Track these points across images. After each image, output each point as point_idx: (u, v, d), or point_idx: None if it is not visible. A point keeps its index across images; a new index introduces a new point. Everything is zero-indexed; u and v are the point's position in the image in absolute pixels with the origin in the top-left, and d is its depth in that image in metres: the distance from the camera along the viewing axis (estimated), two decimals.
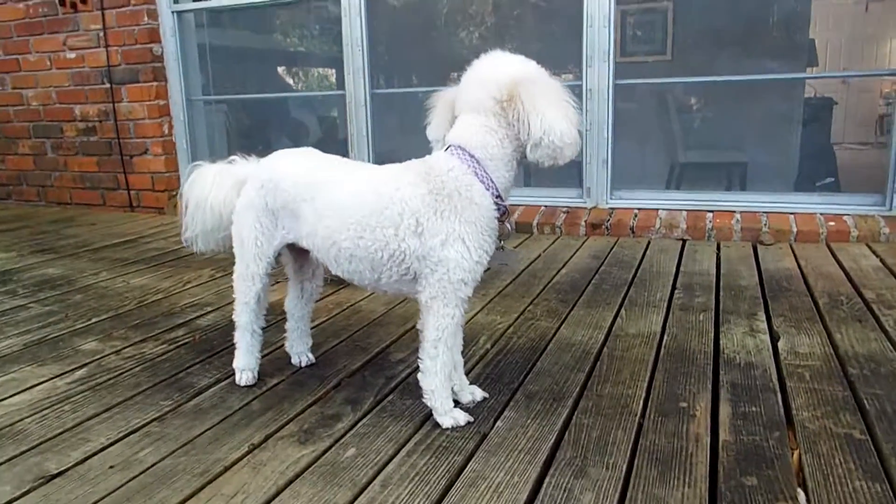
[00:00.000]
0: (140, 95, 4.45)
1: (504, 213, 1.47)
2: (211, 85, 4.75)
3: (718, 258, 2.92)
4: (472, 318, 2.24)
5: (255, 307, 1.75)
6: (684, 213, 3.45)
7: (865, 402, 1.56)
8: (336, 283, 2.56)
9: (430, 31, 5.07)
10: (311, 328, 1.95)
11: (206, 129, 4.73)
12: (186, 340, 2.14)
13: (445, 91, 1.51)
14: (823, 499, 1.21)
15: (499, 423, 1.52)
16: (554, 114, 1.34)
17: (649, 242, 3.26)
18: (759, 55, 4.55)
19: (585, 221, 3.50)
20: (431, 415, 1.53)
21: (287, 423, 1.56)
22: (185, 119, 4.52)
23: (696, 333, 2.03)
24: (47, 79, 4.72)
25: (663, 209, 3.53)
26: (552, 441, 1.43)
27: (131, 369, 1.91)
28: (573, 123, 1.36)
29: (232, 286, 1.76)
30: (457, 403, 1.58)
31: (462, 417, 1.51)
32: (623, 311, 2.27)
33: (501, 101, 1.38)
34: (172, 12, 4.34)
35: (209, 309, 2.45)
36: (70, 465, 1.40)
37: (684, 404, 1.58)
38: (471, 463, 1.36)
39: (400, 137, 4.53)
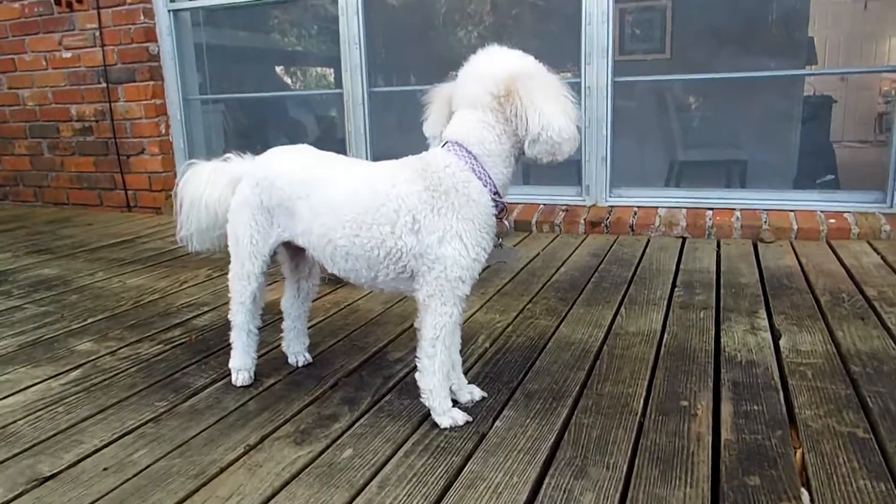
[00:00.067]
0: (136, 95, 4.43)
1: (502, 210, 1.45)
2: (208, 84, 4.73)
3: (718, 256, 2.90)
4: (471, 316, 2.22)
5: (251, 307, 1.73)
6: (684, 210, 3.44)
7: (868, 400, 1.54)
8: (333, 281, 2.54)
9: (429, 30, 5.05)
10: (308, 327, 1.93)
11: (203, 129, 4.71)
12: (182, 340, 2.12)
13: (442, 87, 1.49)
14: (827, 498, 1.19)
15: (498, 422, 1.50)
16: (552, 109, 1.32)
17: (649, 240, 3.24)
18: (759, 53, 4.54)
19: (585, 219, 3.48)
20: (429, 415, 1.51)
21: (283, 424, 1.54)
22: (182, 118, 4.50)
23: (696, 331, 2.02)
24: (43, 78, 4.69)
25: (663, 207, 3.51)
26: (552, 441, 1.41)
27: (127, 370, 1.89)
28: (572, 119, 1.34)
29: (228, 286, 1.74)
30: (455, 403, 1.56)
31: (460, 417, 1.49)
32: (623, 309, 2.25)
33: (499, 97, 1.36)
34: (168, 11, 4.32)
35: (206, 309, 2.43)
36: (63, 467, 1.38)
37: (685, 403, 1.56)
38: (469, 463, 1.34)
39: (398, 136, 4.52)
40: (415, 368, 1.51)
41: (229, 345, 1.79)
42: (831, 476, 1.26)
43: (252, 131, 5.29)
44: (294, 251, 1.76)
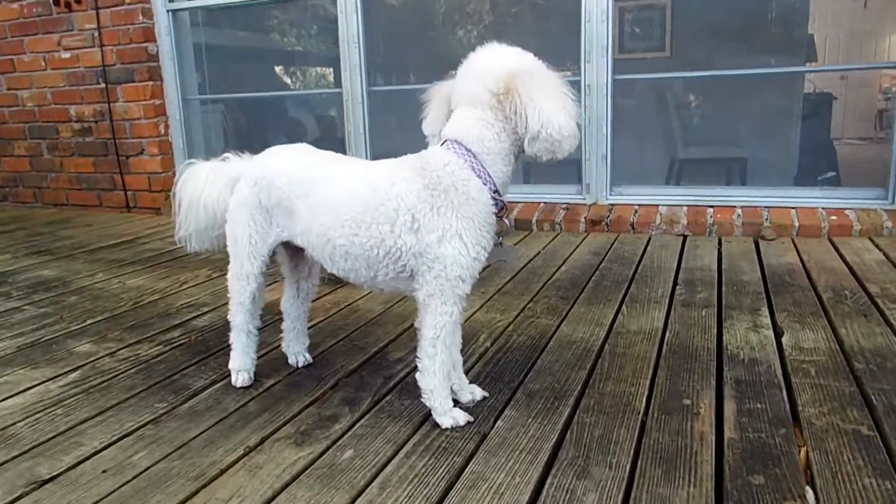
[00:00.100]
0: (135, 95, 4.42)
1: (502, 208, 1.44)
2: (207, 84, 4.72)
3: (720, 253, 2.89)
4: (472, 315, 2.21)
5: (251, 307, 1.72)
6: (685, 208, 3.43)
7: (873, 397, 1.53)
8: (333, 281, 2.53)
9: (428, 29, 5.04)
10: (309, 328, 1.92)
11: (202, 129, 4.70)
12: (182, 341, 2.11)
13: (441, 84, 1.48)
14: (832, 497, 1.18)
15: (499, 422, 1.49)
16: (552, 106, 1.31)
17: (650, 238, 3.23)
18: (758, 51, 4.53)
19: (585, 218, 3.47)
20: (430, 415, 1.50)
21: (284, 425, 1.53)
22: (182, 118, 4.49)
23: (698, 329, 2.01)
24: (42, 79, 4.68)
25: (663, 205, 3.50)
26: (554, 440, 1.40)
27: (126, 371, 1.88)
28: (571, 116, 1.33)
29: (227, 286, 1.73)
30: (456, 403, 1.55)
31: (461, 417, 1.48)
32: (624, 307, 2.24)
33: (498, 94, 1.35)
34: (167, 11, 4.31)
35: (205, 309, 2.42)
36: (62, 469, 1.37)
37: (688, 402, 1.55)
38: (471, 464, 1.33)
39: (398, 135, 4.51)
40: (415, 368, 1.50)
41: (229, 345, 1.78)
42: (836, 474, 1.25)
43: (251, 131, 5.28)
44: (293, 251, 1.75)
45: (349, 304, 2.40)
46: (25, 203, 5.07)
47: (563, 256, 2.96)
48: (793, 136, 4.49)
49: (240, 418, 1.57)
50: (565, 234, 3.42)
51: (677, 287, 2.44)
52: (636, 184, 3.67)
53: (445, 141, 1.42)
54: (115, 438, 1.49)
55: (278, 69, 5.69)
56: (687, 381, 1.66)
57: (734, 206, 3.36)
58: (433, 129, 1.50)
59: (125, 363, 1.94)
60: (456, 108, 1.43)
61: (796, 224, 3.12)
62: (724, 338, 1.93)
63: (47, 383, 1.81)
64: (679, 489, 1.22)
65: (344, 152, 3.70)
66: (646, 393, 1.60)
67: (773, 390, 1.59)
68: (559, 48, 4.06)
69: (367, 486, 1.27)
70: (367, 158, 4.02)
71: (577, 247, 3.14)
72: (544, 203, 3.71)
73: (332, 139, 4.87)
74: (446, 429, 1.46)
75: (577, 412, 1.52)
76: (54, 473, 1.35)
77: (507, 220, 1.48)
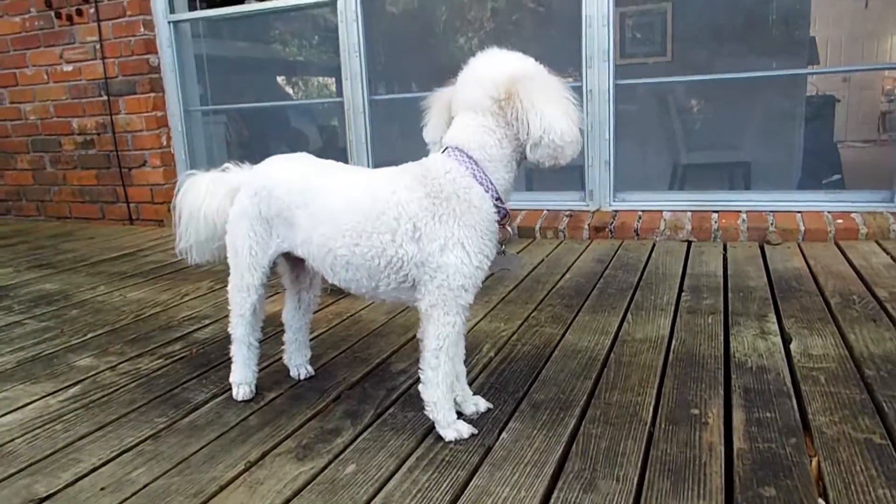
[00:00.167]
0: (137, 107, 4.43)
1: (504, 216, 1.42)
2: (209, 95, 4.72)
3: (725, 259, 2.86)
4: (475, 325, 2.19)
5: (251, 319, 1.70)
6: (689, 214, 3.40)
7: (884, 404, 1.50)
8: (335, 292, 2.51)
9: (429, 37, 5.04)
10: (310, 339, 1.90)
11: (204, 140, 4.70)
12: (183, 354, 2.09)
13: (442, 91, 1.46)
14: None
15: (504, 434, 1.46)
16: (554, 111, 1.29)
17: (654, 244, 3.21)
18: (760, 55, 4.51)
19: (589, 225, 3.45)
20: (434, 427, 1.47)
21: (285, 439, 1.50)
22: (184, 130, 4.49)
23: (705, 337, 1.98)
24: (45, 92, 4.69)
25: (667, 210, 3.47)
26: (559, 453, 1.37)
27: (126, 385, 1.86)
28: (574, 121, 1.31)
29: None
30: (460, 415, 1.53)
31: (465, 430, 1.46)
32: (629, 315, 2.21)
33: (499, 100, 1.33)
34: (168, 22, 4.32)
35: (207, 322, 2.40)
36: (60, 486, 1.35)
37: (696, 411, 1.52)
38: (475, 478, 1.30)
39: (400, 144, 4.50)
40: (418, 380, 1.48)
41: (230, 358, 1.75)
42: (849, 485, 1.22)
43: (254, 142, 5.28)
44: (294, 262, 1.73)
45: (351, 315, 2.38)
46: (28, 216, 5.08)
47: (566, 264, 2.94)
48: (796, 139, 4.46)
49: (241, 432, 1.55)
50: (569, 242, 3.40)
51: (683, 294, 2.41)
52: (639, 189, 3.65)
53: (446, 148, 1.40)
54: (114, 454, 1.47)
55: (280, 79, 5.70)
56: (694, 389, 1.63)
57: (739, 211, 3.33)
58: (434, 136, 1.49)
59: (125, 377, 1.92)
60: (457, 114, 1.41)
61: (802, 228, 3.09)
62: (731, 345, 1.90)
63: (47, 398, 1.79)
64: (689, 502, 1.19)
65: (346, 161, 3.68)
66: (653, 403, 1.57)
67: (783, 398, 1.56)
68: (560, 54, 4.04)
69: (369, 501, 1.25)
70: (369, 167, 4.01)
71: (581, 254, 3.11)
72: (547, 210, 3.69)
73: (334, 149, 4.86)
74: (450, 442, 1.44)
75: (583, 423, 1.50)
76: (51, 491, 1.33)
77: (509, 228, 1.46)
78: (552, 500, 1.22)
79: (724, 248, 3.04)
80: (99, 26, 4.36)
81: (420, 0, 4.94)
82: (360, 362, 1.94)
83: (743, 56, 4.50)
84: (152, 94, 4.38)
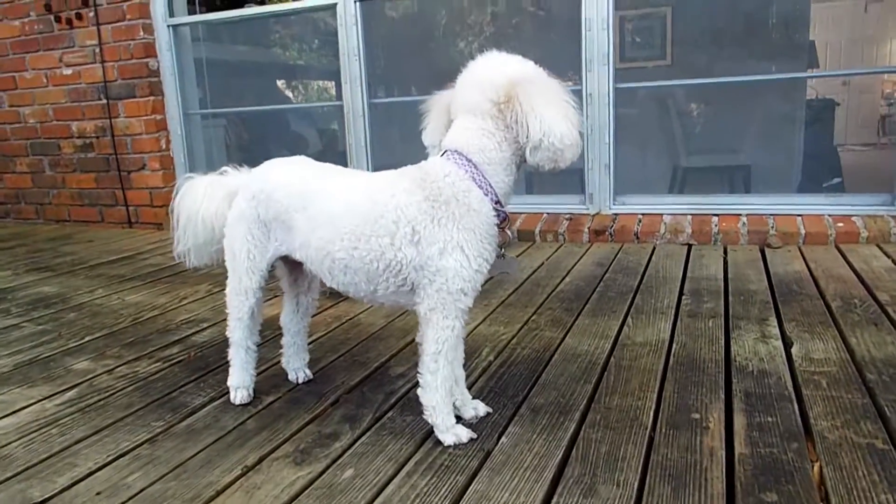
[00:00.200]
0: (137, 110, 4.42)
1: (504, 219, 1.41)
2: (208, 99, 4.72)
3: (726, 262, 2.85)
4: (474, 329, 2.18)
5: (249, 323, 1.69)
6: (689, 217, 3.39)
7: (886, 409, 1.49)
8: (335, 295, 2.50)
9: (429, 41, 5.04)
10: (309, 343, 1.89)
11: (203, 144, 4.70)
12: (181, 358, 2.08)
13: (441, 94, 1.46)
14: None
15: (503, 439, 1.45)
16: (553, 115, 1.28)
17: (654, 248, 3.20)
18: (760, 58, 4.51)
19: (589, 228, 3.44)
20: (432, 432, 1.46)
21: (283, 444, 1.49)
22: (183, 133, 4.49)
23: (705, 340, 1.97)
24: (44, 96, 4.69)
25: (668, 214, 3.47)
26: (559, 457, 1.36)
27: (123, 389, 1.85)
28: (574, 124, 1.30)
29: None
30: (459, 419, 1.51)
31: (464, 434, 1.45)
32: (630, 318, 2.20)
33: (499, 103, 1.33)
34: (168, 26, 4.32)
35: (205, 325, 2.39)
36: (55, 491, 1.34)
37: (696, 416, 1.51)
38: (474, 483, 1.29)
39: (399, 147, 4.49)
40: (417, 384, 1.47)
41: (228, 362, 1.74)
42: (851, 491, 1.21)
43: (253, 145, 5.27)
44: (292, 265, 1.72)
45: (350, 319, 2.37)
46: (27, 219, 5.07)
47: (566, 267, 2.93)
48: (796, 142, 4.46)
49: (238, 437, 1.54)
50: (569, 245, 3.39)
51: (683, 297, 2.41)
52: (640, 193, 3.64)
53: (446, 151, 1.40)
54: (110, 459, 1.46)
55: (280, 83, 5.69)
56: (695, 394, 1.62)
57: (739, 215, 3.33)
58: (433, 139, 1.48)
59: (123, 381, 1.91)
60: (456, 117, 1.40)
61: (802, 231, 3.09)
62: (732, 349, 1.89)
63: (43, 402, 1.78)
64: None
65: (345, 165, 3.67)
66: (653, 407, 1.56)
67: (784, 403, 1.55)
68: (560, 57, 4.04)
69: None
70: (368, 171, 4.00)
71: (581, 257, 3.10)
72: (547, 213, 3.69)
73: (334, 152, 4.86)
74: (449, 446, 1.43)
75: (583, 428, 1.49)
76: (47, 496, 1.32)
77: (509, 232, 1.45)
78: None
79: (725, 252, 3.03)
80: (98, 30, 4.36)
81: (420, 4, 4.94)
82: (358, 366, 1.93)
83: (743, 59, 4.49)
84: (151, 98, 4.38)
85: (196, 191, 1.73)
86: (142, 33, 4.29)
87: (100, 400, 1.78)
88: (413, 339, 1.95)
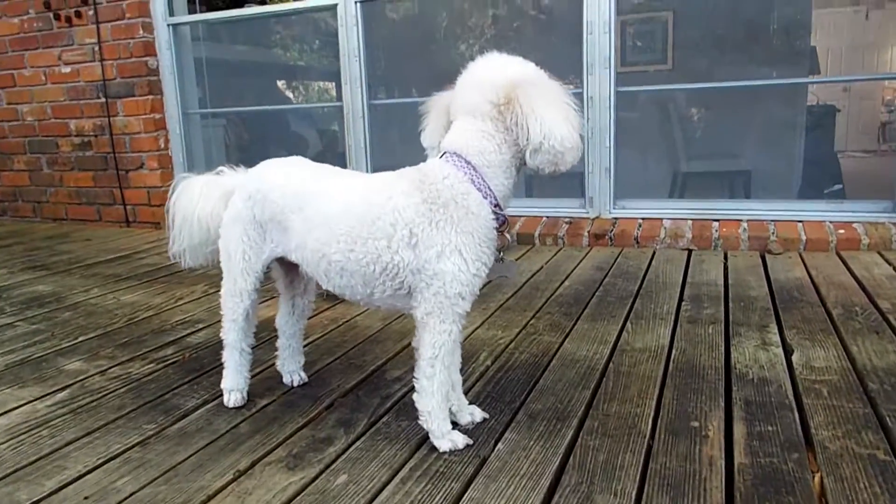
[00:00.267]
0: (135, 109, 4.40)
1: (503, 222, 1.39)
2: (208, 98, 4.70)
3: (726, 268, 2.83)
4: (472, 332, 2.16)
5: (244, 325, 1.67)
6: (690, 222, 3.38)
7: (888, 419, 1.47)
8: (331, 297, 2.47)
9: (430, 43, 5.03)
10: (305, 345, 1.87)
11: (202, 143, 4.68)
12: (175, 359, 2.06)
13: (440, 95, 1.44)
14: None
15: (499, 445, 1.43)
16: (554, 117, 1.26)
17: (654, 252, 3.18)
18: (761, 64, 4.50)
19: (588, 232, 3.42)
20: (428, 437, 1.44)
21: (276, 448, 1.47)
22: (182, 133, 4.47)
23: (705, 347, 1.95)
24: (42, 94, 4.67)
25: (668, 218, 3.45)
26: (556, 465, 1.34)
27: (116, 390, 1.82)
28: (574, 127, 1.28)
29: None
30: (455, 425, 1.49)
31: (460, 440, 1.43)
32: (629, 324, 2.18)
33: (499, 105, 1.31)
34: (168, 25, 4.30)
35: (201, 326, 2.37)
36: (43, 495, 1.32)
37: (696, 424, 1.49)
38: (469, 490, 1.27)
39: (399, 149, 4.47)
40: (413, 388, 1.45)
41: (223, 364, 1.72)
42: (852, 502, 1.19)
43: (253, 146, 5.25)
44: (288, 267, 1.70)
45: (347, 321, 2.35)
46: (25, 217, 5.05)
47: (566, 271, 2.91)
48: (796, 148, 4.45)
49: (230, 440, 1.52)
50: (568, 249, 3.37)
51: (683, 303, 2.39)
52: (640, 197, 3.63)
53: (444, 153, 1.38)
54: (100, 462, 1.44)
55: (280, 83, 5.67)
56: (694, 401, 1.60)
57: (740, 220, 3.31)
58: (432, 141, 1.46)
59: (115, 382, 1.89)
60: (455, 119, 1.39)
61: (803, 238, 3.07)
62: (732, 356, 1.87)
63: (34, 403, 1.76)
64: None
65: (345, 166, 3.65)
66: (652, 414, 1.54)
67: (785, 412, 1.53)
68: (561, 60, 4.03)
69: None
70: (367, 172, 3.98)
71: (581, 261, 3.08)
72: (547, 217, 3.67)
73: (333, 153, 4.84)
74: (444, 452, 1.40)
75: (581, 435, 1.47)
76: (34, 499, 1.30)
77: (508, 235, 1.43)
78: None
79: (725, 257, 3.02)
80: (98, 28, 4.35)
81: (421, 6, 4.93)
82: (354, 369, 1.91)
83: (744, 65, 4.48)
84: (150, 97, 4.36)
85: (192, 190, 1.71)
86: (141, 32, 4.28)
87: (91, 401, 1.75)
88: (410, 343, 1.93)
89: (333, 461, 1.40)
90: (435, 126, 1.45)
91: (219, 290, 1.69)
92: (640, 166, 4.35)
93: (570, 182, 3.78)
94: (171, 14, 4.33)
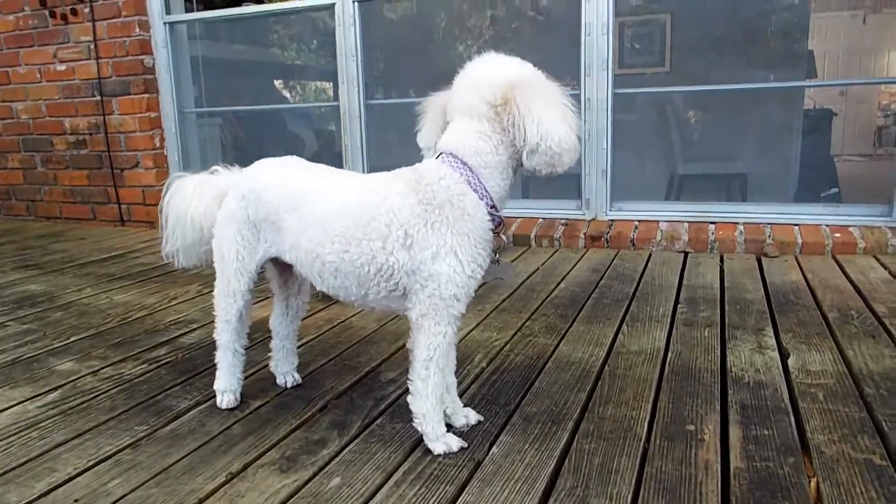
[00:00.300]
0: (131, 108, 4.38)
1: (499, 224, 1.38)
2: (204, 97, 4.68)
3: (722, 271, 2.83)
4: (467, 334, 2.15)
5: (237, 325, 1.65)
6: (686, 224, 3.37)
7: (884, 423, 1.47)
8: (326, 298, 2.46)
9: (428, 44, 5.02)
10: (299, 346, 1.86)
11: (198, 142, 4.66)
12: (168, 360, 2.04)
13: (437, 95, 1.43)
14: None
15: (494, 448, 1.42)
16: (551, 118, 1.25)
17: (650, 255, 3.17)
18: (758, 67, 4.50)
19: (584, 234, 3.41)
20: (422, 440, 1.43)
21: (269, 450, 1.46)
22: (177, 132, 4.45)
23: (701, 350, 1.94)
24: (37, 91, 4.65)
25: (664, 221, 3.45)
26: (551, 468, 1.33)
27: (107, 391, 1.81)
28: (572, 128, 1.27)
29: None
30: (450, 427, 1.48)
31: (455, 443, 1.42)
32: (625, 326, 2.18)
33: (496, 106, 1.30)
34: (164, 23, 4.28)
35: (194, 326, 2.36)
36: (32, 497, 1.30)
37: (691, 427, 1.48)
38: (464, 494, 1.26)
39: (396, 149, 4.46)
40: (408, 390, 1.44)
41: (216, 364, 1.70)
42: None
43: (249, 145, 5.23)
44: (282, 267, 1.69)
45: (342, 322, 2.34)
46: (18, 216, 5.02)
47: (562, 273, 2.90)
48: (793, 152, 4.45)
49: (223, 442, 1.50)
50: (564, 251, 3.37)
51: (679, 305, 2.38)
52: (636, 199, 3.62)
53: (441, 154, 1.37)
54: (90, 464, 1.42)
55: (277, 83, 5.65)
56: (690, 405, 1.59)
57: (736, 223, 3.31)
58: (428, 141, 1.45)
59: (107, 382, 1.87)
60: (452, 119, 1.37)
61: (799, 241, 3.07)
62: (727, 359, 1.87)
63: (25, 403, 1.74)
64: None
65: (341, 166, 3.64)
66: (647, 418, 1.53)
67: (780, 415, 1.52)
68: (559, 62, 4.02)
69: None
70: (363, 173, 3.96)
71: (577, 263, 3.08)
72: (543, 218, 3.66)
73: (330, 153, 4.82)
74: (439, 455, 1.39)
75: (576, 438, 1.46)
76: (24, 501, 1.28)
77: (504, 237, 1.42)
78: None
79: (721, 260, 3.01)
80: (94, 26, 4.32)
81: (419, 6, 4.92)
82: (348, 370, 1.90)
83: (741, 68, 4.48)
84: (146, 95, 4.34)
85: (185, 190, 1.70)
86: (137, 30, 4.25)
87: (83, 402, 1.74)
88: (405, 344, 1.92)
89: (327, 464, 1.39)
90: (431, 126, 1.44)
91: (213, 290, 1.67)
92: (636, 168, 4.34)
93: (567, 184, 3.77)
94: (168, 12, 4.31)
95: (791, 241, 3.08)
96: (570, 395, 1.67)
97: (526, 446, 1.42)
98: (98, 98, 4.44)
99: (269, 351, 1.80)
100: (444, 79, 1.43)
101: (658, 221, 3.45)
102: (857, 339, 1.98)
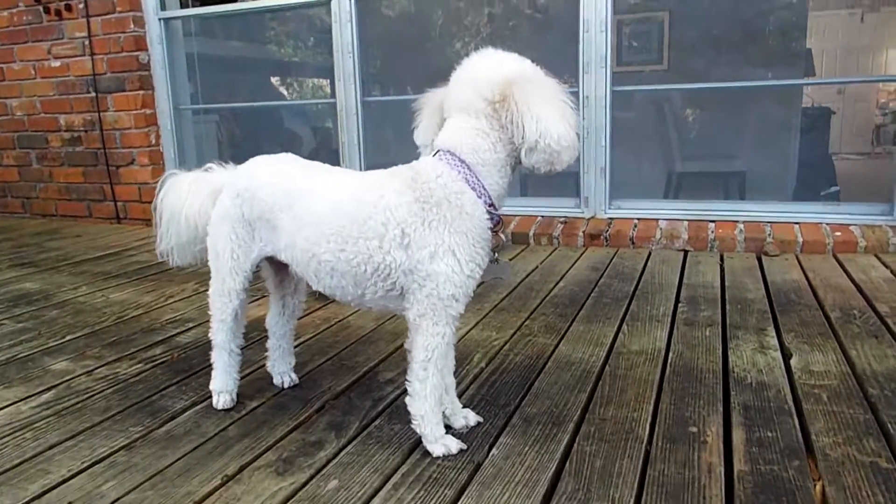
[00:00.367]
0: (126, 104, 4.35)
1: (498, 222, 1.36)
2: (199, 94, 4.65)
3: (722, 270, 2.81)
4: (466, 334, 2.13)
5: (233, 325, 1.63)
6: (685, 223, 3.35)
7: (889, 425, 1.45)
8: (323, 297, 2.43)
9: (426, 41, 4.99)
10: (296, 346, 1.84)
11: (194, 139, 4.62)
12: (164, 359, 2.02)
13: (434, 92, 1.40)
14: None
15: (494, 450, 1.40)
16: (550, 115, 1.23)
17: (650, 253, 3.15)
18: (756, 65, 4.48)
19: (584, 232, 3.39)
20: (421, 442, 1.41)
21: (265, 452, 1.44)
22: (173, 128, 4.42)
23: (702, 350, 1.92)
24: (32, 88, 4.61)
25: (664, 219, 3.43)
26: (552, 471, 1.31)
27: (102, 391, 1.78)
28: (571, 125, 1.25)
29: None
30: (448, 429, 1.46)
31: (454, 445, 1.39)
32: (625, 326, 2.16)
33: (494, 102, 1.27)
34: (159, 19, 4.24)
35: (191, 325, 2.33)
36: (25, 500, 1.28)
37: (694, 429, 1.46)
38: (463, 497, 1.24)
39: (393, 146, 4.44)
40: (406, 391, 1.41)
41: (212, 364, 1.68)
42: None
43: (246, 142, 5.20)
44: (278, 266, 1.66)
45: (339, 321, 2.31)
46: (14, 213, 4.98)
47: (561, 272, 2.88)
48: (791, 150, 4.44)
49: (219, 444, 1.48)
50: (563, 249, 3.34)
51: (679, 305, 2.36)
52: (635, 197, 3.60)
53: (438, 151, 1.34)
54: (85, 465, 1.40)
55: (274, 80, 5.62)
56: (692, 406, 1.57)
57: (736, 221, 3.29)
58: (425, 138, 1.42)
59: (102, 382, 1.84)
60: (449, 116, 1.35)
61: (800, 240, 3.05)
62: (729, 359, 1.85)
63: (18, 404, 1.72)
64: None
65: (338, 164, 3.61)
66: (649, 419, 1.51)
67: (784, 417, 1.50)
68: (557, 59, 4.00)
69: None
70: (360, 170, 3.94)
71: (576, 262, 3.06)
72: (542, 217, 3.64)
73: (327, 150, 4.79)
74: (438, 457, 1.37)
75: (577, 440, 1.44)
76: None
77: (502, 235, 1.40)
78: None
79: (721, 259, 2.99)
80: (88, 22, 4.29)
81: (416, 3, 4.89)
82: (346, 370, 1.88)
83: (739, 66, 4.47)
84: (141, 92, 4.30)
85: (179, 187, 1.67)
86: (132, 26, 4.22)
87: (77, 403, 1.71)
88: (403, 344, 1.90)
89: (324, 466, 1.37)
90: (428, 123, 1.41)
91: (208, 289, 1.65)
92: (635, 166, 4.33)
93: (566, 181, 3.75)
94: (163, 8, 4.28)
95: (791, 239, 3.06)
96: (571, 396, 1.65)
97: (526, 448, 1.40)
98: (93, 95, 4.40)
99: (266, 351, 1.78)
100: (441, 75, 1.41)
101: (657, 220, 3.43)
102: (859, 339, 1.97)
